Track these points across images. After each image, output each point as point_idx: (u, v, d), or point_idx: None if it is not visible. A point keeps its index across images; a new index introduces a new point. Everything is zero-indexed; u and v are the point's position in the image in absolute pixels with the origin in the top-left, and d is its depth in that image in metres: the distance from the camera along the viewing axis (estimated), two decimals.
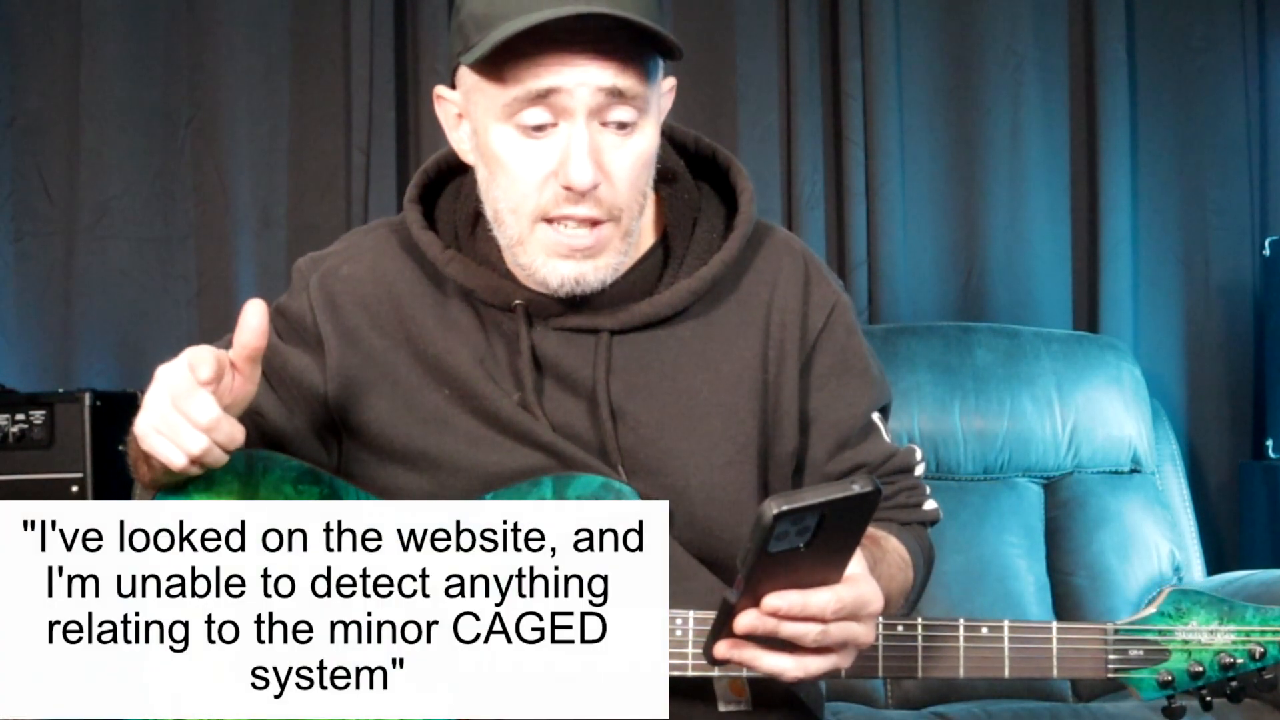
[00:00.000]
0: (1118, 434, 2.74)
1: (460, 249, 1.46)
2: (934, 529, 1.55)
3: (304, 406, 1.46)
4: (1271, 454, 2.94)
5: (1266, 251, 2.98)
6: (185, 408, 1.23)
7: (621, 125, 1.33)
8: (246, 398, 1.31)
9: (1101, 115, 3.11)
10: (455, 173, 1.50)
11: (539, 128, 1.33)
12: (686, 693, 1.34)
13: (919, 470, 1.53)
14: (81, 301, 3.05)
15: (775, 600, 1.16)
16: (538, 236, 1.36)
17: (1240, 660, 1.34)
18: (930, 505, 1.53)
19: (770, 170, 3.09)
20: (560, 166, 1.33)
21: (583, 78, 1.30)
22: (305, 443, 1.46)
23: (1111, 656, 1.34)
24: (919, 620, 1.33)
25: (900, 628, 1.33)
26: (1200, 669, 1.34)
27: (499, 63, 1.31)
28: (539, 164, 1.34)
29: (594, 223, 1.35)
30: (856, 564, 1.20)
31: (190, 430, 1.24)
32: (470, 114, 1.39)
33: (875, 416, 1.50)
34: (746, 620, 1.18)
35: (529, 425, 1.40)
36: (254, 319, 1.27)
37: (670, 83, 1.41)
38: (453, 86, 1.41)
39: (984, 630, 1.34)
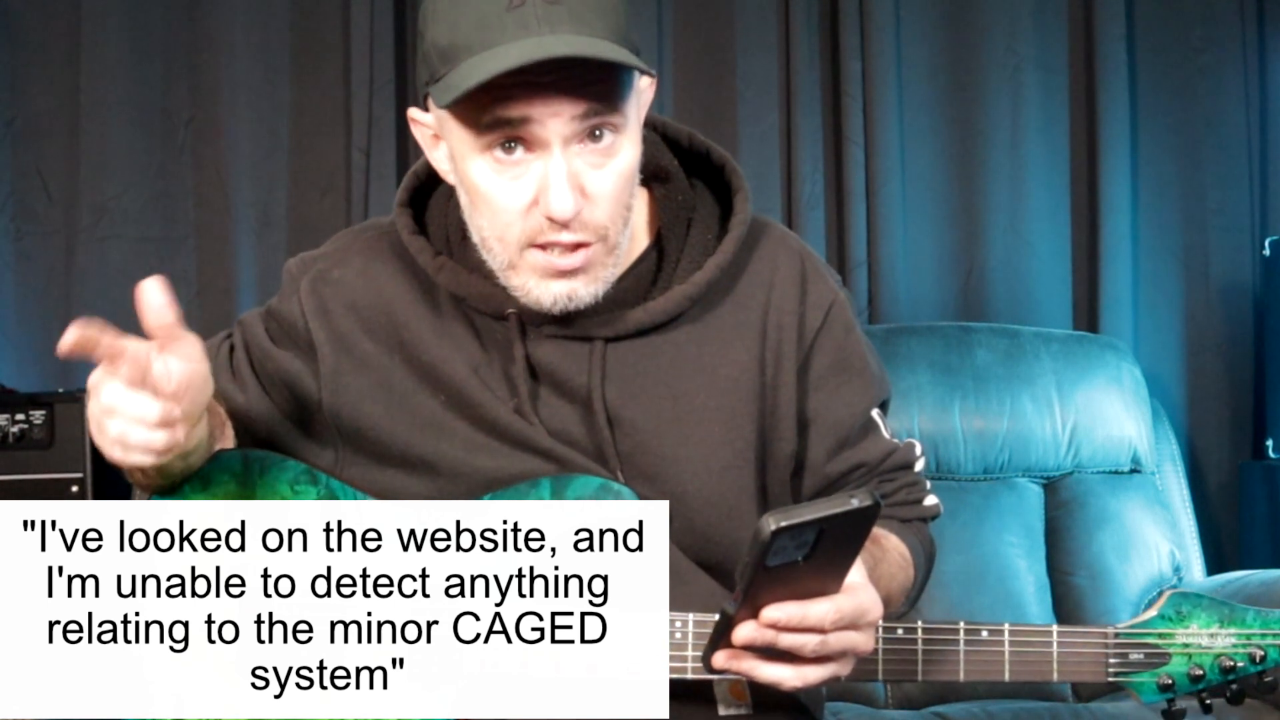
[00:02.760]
0: (1118, 434, 2.74)
1: (452, 254, 1.45)
2: (934, 528, 1.55)
3: (299, 409, 1.45)
4: (1271, 454, 2.94)
5: (1266, 251, 2.98)
6: (97, 398, 1.20)
7: (599, 147, 1.31)
8: (196, 377, 1.22)
9: (1101, 115, 3.10)
10: None
11: (516, 160, 1.30)
12: (686, 696, 1.34)
13: (919, 466, 1.53)
14: (81, 301, 3.05)
15: (774, 612, 1.16)
16: (527, 260, 1.34)
17: (1241, 663, 1.34)
18: (931, 501, 1.52)
19: (770, 170, 3.09)
20: (540, 196, 1.30)
21: (555, 109, 1.27)
22: (301, 445, 1.46)
23: (1112, 660, 1.34)
24: (919, 624, 1.33)
25: (900, 631, 1.33)
26: (1200, 672, 1.34)
27: (468, 100, 1.27)
28: (519, 195, 1.31)
29: (580, 245, 1.33)
30: (856, 572, 1.20)
31: (106, 418, 1.20)
32: (445, 140, 1.37)
33: (875, 413, 1.50)
34: (745, 632, 1.18)
35: (526, 432, 1.39)
36: (153, 298, 1.18)
37: (647, 80, 1.36)
38: (424, 109, 1.39)
39: (984, 634, 1.33)
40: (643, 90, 1.36)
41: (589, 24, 1.26)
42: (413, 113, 1.41)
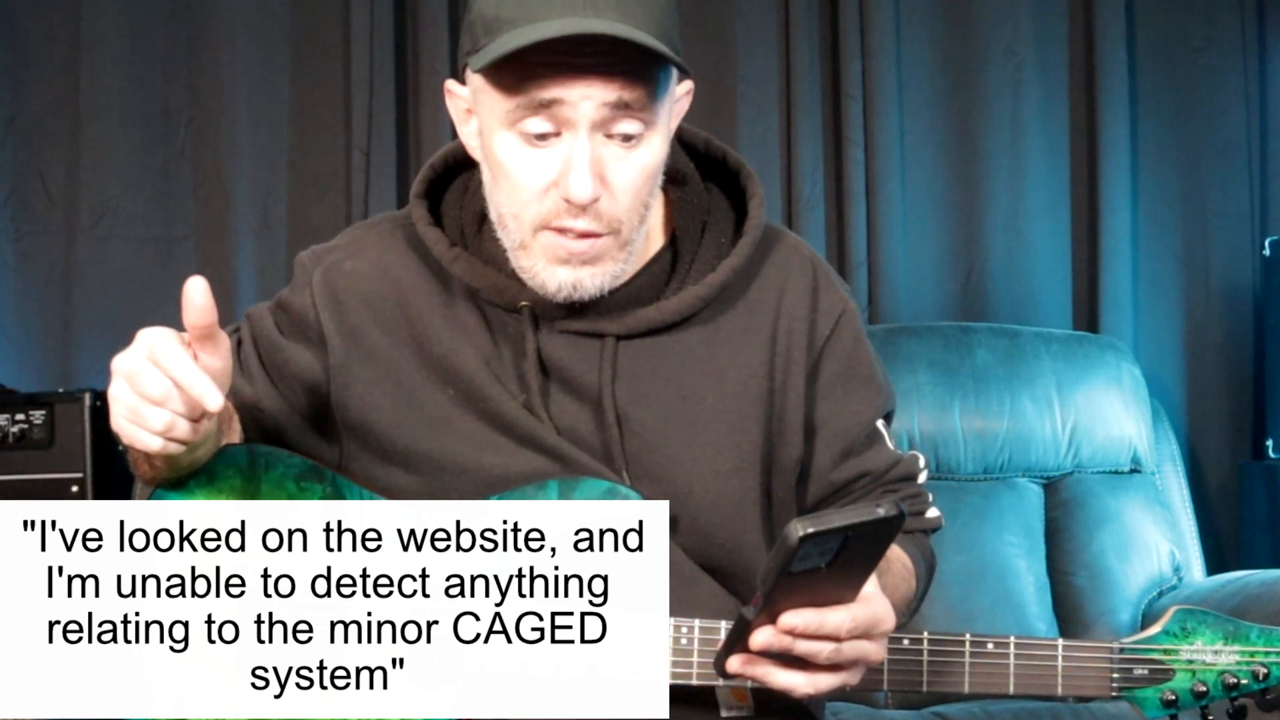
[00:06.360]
0: (1118, 434, 2.74)
1: (466, 247, 1.45)
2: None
3: (306, 403, 1.45)
4: (1271, 454, 2.94)
5: (1266, 251, 2.98)
6: (140, 388, 1.21)
7: (626, 138, 1.31)
8: (220, 374, 1.26)
9: (1101, 115, 3.11)
10: (462, 168, 1.48)
11: (542, 137, 1.31)
12: (688, 699, 1.34)
13: (922, 478, 1.53)
14: (81, 301, 3.05)
15: (792, 618, 1.17)
16: (539, 242, 1.35)
17: (1244, 681, 1.33)
18: (933, 513, 1.52)
19: (770, 170, 3.09)
20: (561, 178, 1.31)
21: (586, 91, 1.28)
22: (308, 439, 1.46)
23: (1116, 675, 1.34)
24: (925, 635, 1.33)
25: (906, 642, 1.32)
26: (1204, 689, 1.34)
27: (503, 71, 1.29)
28: (540, 173, 1.32)
29: (590, 235, 1.34)
30: (869, 583, 1.20)
31: (149, 407, 1.21)
32: (477, 114, 1.38)
33: (880, 424, 1.50)
34: (762, 637, 1.18)
35: (534, 428, 1.39)
36: (198, 297, 1.23)
37: (686, 86, 1.39)
38: (463, 82, 1.40)
39: (989, 646, 1.33)
40: (678, 98, 1.38)
41: (633, 15, 1.27)
42: (450, 85, 1.42)
